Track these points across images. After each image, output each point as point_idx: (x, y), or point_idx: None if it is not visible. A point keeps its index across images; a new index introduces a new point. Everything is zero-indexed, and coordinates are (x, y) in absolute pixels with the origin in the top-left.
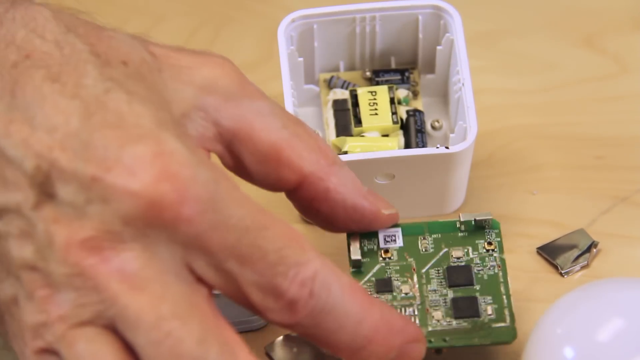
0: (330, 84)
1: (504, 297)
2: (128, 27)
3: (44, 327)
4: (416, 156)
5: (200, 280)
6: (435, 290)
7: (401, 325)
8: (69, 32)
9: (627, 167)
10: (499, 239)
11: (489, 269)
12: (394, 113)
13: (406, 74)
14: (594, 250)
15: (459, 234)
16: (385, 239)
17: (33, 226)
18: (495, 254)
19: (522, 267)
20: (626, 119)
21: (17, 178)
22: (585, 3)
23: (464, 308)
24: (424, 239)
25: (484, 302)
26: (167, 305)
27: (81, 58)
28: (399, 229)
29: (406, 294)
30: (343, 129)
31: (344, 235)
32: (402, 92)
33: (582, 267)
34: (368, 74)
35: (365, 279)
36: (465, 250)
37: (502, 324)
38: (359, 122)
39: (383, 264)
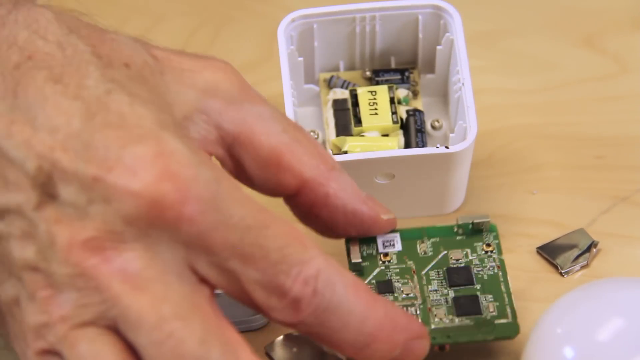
0: (330, 84)
1: (505, 295)
2: (128, 27)
3: (46, 327)
4: (416, 156)
5: (202, 280)
6: (436, 290)
7: (405, 322)
8: (71, 34)
9: (627, 167)
10: (497, 241)
11: (489, 269)
12: (394, 113)
13: (406, 73)
14: (594, 250)
15: (457, 237)
16: (384, 244)
17: (35, 227)
18: (494, 255)
19: (522, 267)
20: (626, 118)
21: (18, 179)
22: (585, 3)
23: (466, 306)
24: (423, 242)
25: (485, 300)
26: (169, 306)
27: (83, 59)
28: (397, 234)
29: (407, 294)
30: (343, 129)
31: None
32: (402, 92)
33: (582, 267)
34: (368, 73)
35: (366, 281)
36: (464, 252)
37: (505, 320)
38: (358, 121)
39: (383, 267)
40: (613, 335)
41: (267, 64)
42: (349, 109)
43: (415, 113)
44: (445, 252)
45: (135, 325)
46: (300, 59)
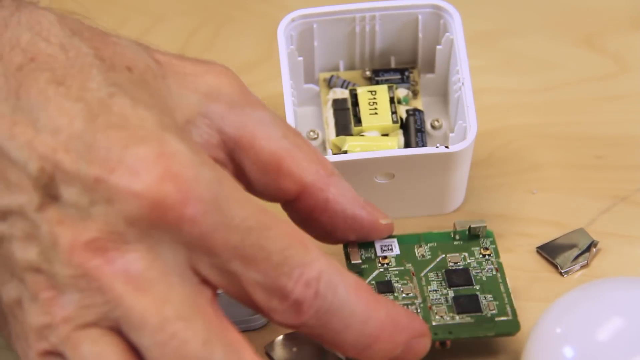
0: (330, 84)
1: (505, 295)
2: (128, 27)
3: (48, 328)
4: (416, 155)
5: (204, 281)
6: (435, 290)
7: (406, 321)
8: (74, 36)
9: (627, 167)
10: (494, 246)
11: (487, 271)
12: (393, 112)
13: (406, 73)
14: (594, 249)
15: (455, 242)
16: (382, 248)
17: (37, 228)
18: (492, 259)
19: (522, 267)
20: (626, 118)
21: (20, 180)
22: (585, 3)
23: (466, 304)
24: (420, 247)
25: (485, 299)
26: (172, 307)
27: (86, 62)
28: (395, 239)
29: (407, 294)
30: (343, 129)
31: None
32: (401, 92)
33: (582, 267)
34: (368, 73)
35: (366, 282)
36: (462, 255)
37: (505, 318)
38: (358, 121)
39: (382, 270)
40: (613, 335)
41: (267, 63)
42: (348, 109)
43: (415, 113)
44: (443, 255)
45: (138, 326)
46: (300, 58)
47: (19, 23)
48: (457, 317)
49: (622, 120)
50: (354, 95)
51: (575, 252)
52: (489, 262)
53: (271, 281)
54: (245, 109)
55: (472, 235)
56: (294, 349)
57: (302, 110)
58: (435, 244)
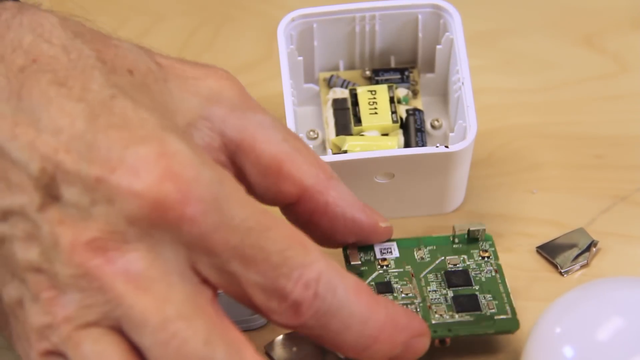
0: (330, 83)
1: (504, 295)
2: (127, 27)
3: (50, 328)
4: (416, 155)
5: (204, 281)
6: (435, 291)
7: (406, 321)
8: (76, 38)
9: (627, 167)
10: (493, 249)
11: (486, 272)
12: (393, 112)
13: (406, 73)
14: (594, 249)
15: (454, 246)
16: (381, 251)
17: (38, 228)
18: (491, 261)
19: (522, 266)
20: (626, 118)
21: (22, 180)
22: (585, 2)
23: (465, 304)
24: (419, 250)
25: (485, 299)
26: (173, 306)
27: (88, 64)
28: (394, 243)
29: (407, 294)
30: (343, 128)
31: None
32: (401, 91)
33: (582, 266)
34: (368, 73)
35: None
36: (461, 258)
37: (504, 316)
38: (358, 121)
39: (381, 272)
40: (612, 335)
41: (267, 63)
42: (348, 109)
43: (415, 112)
44: (442, 258)
45: (139, 326)
46: (300, 58)
47: (21, 25)
48: (456, 316)
49: (622, 120)
50: (354, 95)
51: (575, 251)
52: (488, 264)
53: (270, 282)
54: (246, 113)
55: (471, 239)
56: (294, 349)
57: (302, 110)
58: (435, 247)
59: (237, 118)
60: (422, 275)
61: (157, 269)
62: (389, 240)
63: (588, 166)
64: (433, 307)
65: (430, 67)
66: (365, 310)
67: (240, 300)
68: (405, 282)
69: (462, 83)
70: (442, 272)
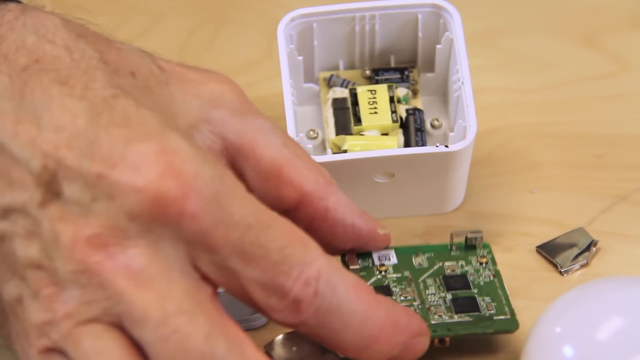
0: (329, 83)
1: (503, 297)
2: (127, 26)
3: (50, 325)
4: (416, 155)
5: (204, 278)
6: (434, 294)
7: (406, 321)
8: (80, 39)
9: (627, 166)
10: (491, 255)
11: (485, 277)
12: (393, 112)
13: (406, 72)
14: (594, 248)
15: (452, 253)
16: (379, 258)
17: (39, 225)
18: (489, 266)
19: (522, 266)
20: (626, 117)
21: (23, 178)
22: (585, 2)
23: (464, 305)
24: (418, 256)
25: (483, 301)
26: (173, 302)
27: (91, 64)
28: (392, 250)
29: (405, 297)
30: (343, 128)
31: None
32: (401, 91)
33: (582, 266)
34: (368, 72)
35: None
36: (459, 263)
37: (504, 317)
38: (358, 120)
39: (380, 277)
40: (612, 334)
41: (267, 63)
42: (348, 108)
43: (414, 112)
44: (441, 264)
45: (140, 322)
46: (300, 58)
47: (24, 26)
48: (455, 317)
49: (622, 119)
50: (354, 95)
51: (575, 251)
52: (487, 269)
53: (270, 279)
54: (247, 117)
55: (469, 246)
56: (294, 349)
57: (301, 110)
58: (432, 254)
59: (237, 122)
60: (420, 280)
61: (158, 264)
62: (387, 248)
63: (588, 166)
64: (432, 308)
65: (430, 66)
66: (365, 309)
67: (240, 297)
68: (404, 286)
69: (462, 82)
70: (441, 276)
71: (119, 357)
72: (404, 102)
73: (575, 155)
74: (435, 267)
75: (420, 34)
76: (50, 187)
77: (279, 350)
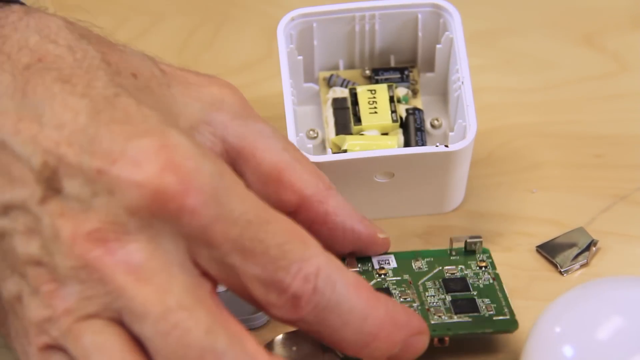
0: (329, 83)
1: (502, 299)
2: (127, 26)
3: (49, 322)
4: (415, 155)
5: (204, 274)
6: (433, 296)
7: (405, 319)
8: (82, 39)
9: (627, 166)
10: (490, 260)
11: (484, 280)
12: (393, 111)
13: (406, 72)
14: (594, 248)
15: (451, 258)
16: (379, 262)
17: (39, 221)
18: (488, 270)
19: (522, 266)
20: (626, 117)
21: (23, 174)
22: (585, 2)
23: (464, 306)
24: (417, 261)
25: (483, 303)
26: (174, 296)
27: (93, 64)
28: (392, 255)
29: (405, 299)
30: (342, 128)
31: None
32: (401, 91)
33: (582, 266)
34: (367, 72)
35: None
36: (459, 267)
37: (503, 317)
38: (358, 120)
39: (379, 280)
40: (612, 334)
41: (267, 62)
42: (348, 108)
43: (414, 112)
44: (440, 267)
45: (140, 317)
46: (300, 57)
47: (27, 26)
48: (455, 317)
49: (621, 119)
50: (354, 94)
51: (574, 251)
52: (486, 273)
53: (269, 275)
54: (247, 121)
55: (468, 251)
56: (294, 348)
57: (301, 109)
58: (432, 259)
59: (238, 125)
60: (420, 282)
61: (158, 259)
62: (386, 253)
63: (588, 165)
64: (432, 309)
65: (430, 66)
66: (364, 306)
67: (239, 293)
68: (403, 289)
69: (462, 82)
70: (440, 279)
71: (120, 353)
72: (403, 102)
73: (575, 155)
74: (435, 270)
75: (420, 34)
76: (51, 183)
77: (279, 350)
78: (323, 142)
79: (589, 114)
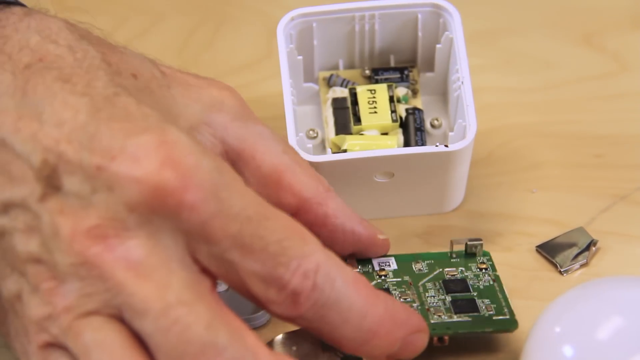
0: (329, 82)
1: (502, 300)
2: (127, 26)
3: (49, 319)
4: (415, 154)
5: (204, 270)
6: (433, 296)
7: (405, 317)
8: (83, 39)
9: (627, 166)
10: (491, 262)
11: (484, 281)
12: (393, 111)
13: (405, 72)
14: (593, 248)
15: (452, 260)
16: (379, 264)
17: (38, 219)
18: (488, 272)
19: (522, 266)
20: (625, 117)
21: (23, 172)
22: (585, 1)
23: (464, 307)
24: (417, 263)
25: (483, 303)
26: (174, 292)
27: (93, 64)
28: (392, 257)
29: (405, 299)
30: (342, 127)
31: None
32: (401, 91)
33: (582, 266)
34: (367, 72)
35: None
36: (459, 269)
37: (503, 317)
38: (358, 120)
39: (380, 281)
40: (612, 334)
41: (267, 62)
42: (348, 108)
43: (414, 112)
44: (440, 269)
45: (140, 313)
46: (300, 57)
47: (28, 27)
48: (454, 317)
49: (621, 119)
50: (354, 94)
51: (574, 251)
52: (486, 274)
53: (268, 271)
54: (247, 123)
55: (469, 253)
56: (294, 348)
57: (301, 109)
58: (433, 261)
59: (238, 127)
60: (420, 284)
61: (157, 256)
62: (387, 255)
63: (588, 165)
64: (432, 309)
65: (429, 66)
66: (364, 303)
67: (239, 290)
68: (403, 289)
69: (462, 82)
70: (440, 280)
71: (120, 349)
72: (403, 102)
73: (575, 155)
74: (435, 272)
75: (420, 34)
76: (51, 181)
77: (278, 350)
78: (323, 142)
79: (589, 114)
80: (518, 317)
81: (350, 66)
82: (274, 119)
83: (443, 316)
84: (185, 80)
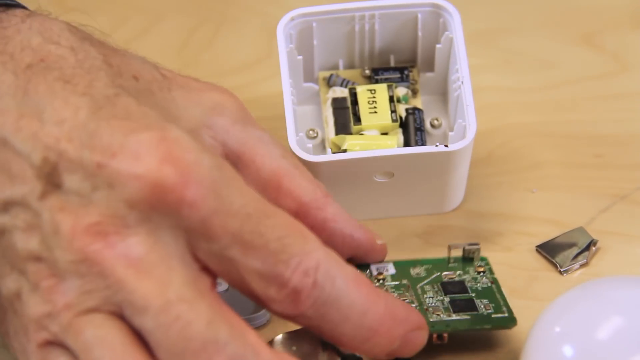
0: (329, 82)
1: (500, 300)
2: (127, 26)
3: (49, 317)
4: (415, 154)
5: (204, 268)
6: (432, 297)
7: (404, 314)
8: (85, 41)
9: (627, 166)
10: (488, 266)
11: (483, 283)
12: (393, 111)
13: (405, 72)
14: (593, 248)
15: (449, 265)
16: (377, 269)
17: (39, 216)
18: (486, 275)
19: (521, 266)
20: (625, 117)
21: (23, 170)
22: (585, 1)
23: (462, 306)
24: (415, 267)
25: (482, 303)
26: (174, 289)
27: (94, 65)
28: (390, 263)
29: (403, 300)
30: (342, 127)
31: None
32: (401, 90)
33: (581, 266)
34: (367, 72)
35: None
36: (457, 273)
37: (501, 315)
38: (358, 120)
39: (378, 284)
40: (612, 334)
41: (267, 62)
42: (348, 108)
43: (414, 111)
44: (439, 273)
45: (140, 310)
46: (300, 57)
47: (30, 29)
48: (453, 315)
49: (621, 119)
50: (354, 94)
51: (574, 250)
52: (484, 277)
53: (269, 269)
54: (247, 127)
55: (467, 258)
56: (294, 348)
57: (301, 109)
58: (431, 265)
59: (238, 130)
60: (418, 286)
61: (157, 253)
62: (385, 261)
63: (588, 165)
64: (430, 309)
65: (429, 66)
66: (364, 301)
67: (239, 288)
68: (402, 292)
69: (462, 82)
70: (439, 283)
71: (121, 346)
72: (403, 102)
73: (575, 154)
74: (434, 275)
75: (420, 34)
76: (51, 179)
77: (278, 349)
78: (323, 141)
79: (589, 114)
80: (518, 317)
81: (350, 66)
82: (274, 119)
83: (442, 315)
84: (186, 84)
